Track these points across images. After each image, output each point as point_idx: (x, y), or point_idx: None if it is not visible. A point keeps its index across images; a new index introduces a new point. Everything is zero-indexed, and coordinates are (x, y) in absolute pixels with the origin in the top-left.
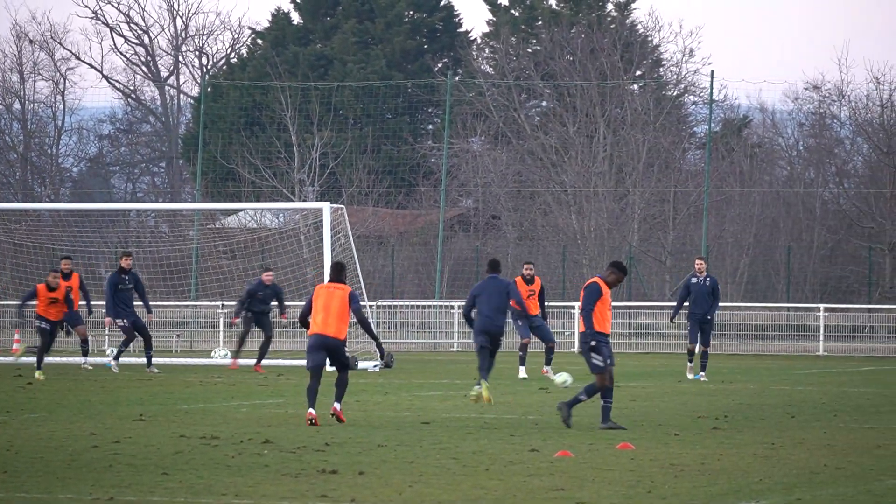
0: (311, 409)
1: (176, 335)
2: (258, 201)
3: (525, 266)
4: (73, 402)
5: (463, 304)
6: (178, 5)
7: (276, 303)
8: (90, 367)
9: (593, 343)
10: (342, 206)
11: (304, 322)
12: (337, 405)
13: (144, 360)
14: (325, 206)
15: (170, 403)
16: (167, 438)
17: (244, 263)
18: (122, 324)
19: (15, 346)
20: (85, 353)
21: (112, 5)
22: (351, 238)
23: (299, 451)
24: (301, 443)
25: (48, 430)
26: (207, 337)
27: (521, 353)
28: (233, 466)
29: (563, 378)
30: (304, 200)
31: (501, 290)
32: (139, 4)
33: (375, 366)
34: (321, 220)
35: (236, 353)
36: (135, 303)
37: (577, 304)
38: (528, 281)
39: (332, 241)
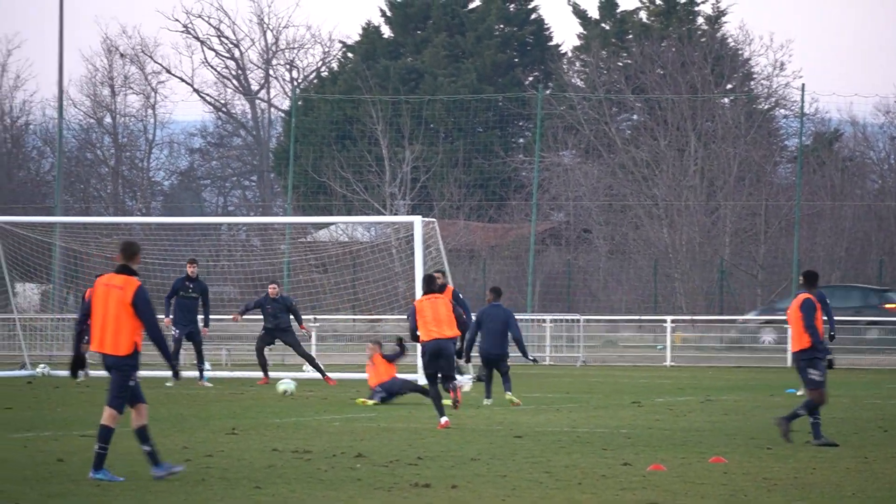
0: (442, 419)
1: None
2: (349, 215)
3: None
4: (166, 416)
5: (553, 317)
6: (269, 19)
7: (292, 316)
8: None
9: (817, 357)
10: (434, 219)
11: (415, 338)
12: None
13: (236, 374)
14: (417, 220)
15: (262, 417)
16: (260, 452)
17: (336, 277)
18: (174, 334)
19: None
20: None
21: (203, 19)
22: (443, 252)
23: (392, 464)
24: (394, 457)
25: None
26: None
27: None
28: (326, 480)
29: (285, 386)
30: (396, 214)
31: (502, 318)
32: (230, 18)
33: (469, 378)
34: (412, 234)
35: (322, 372)
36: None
37: (670, 319)
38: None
39: (424, 254)
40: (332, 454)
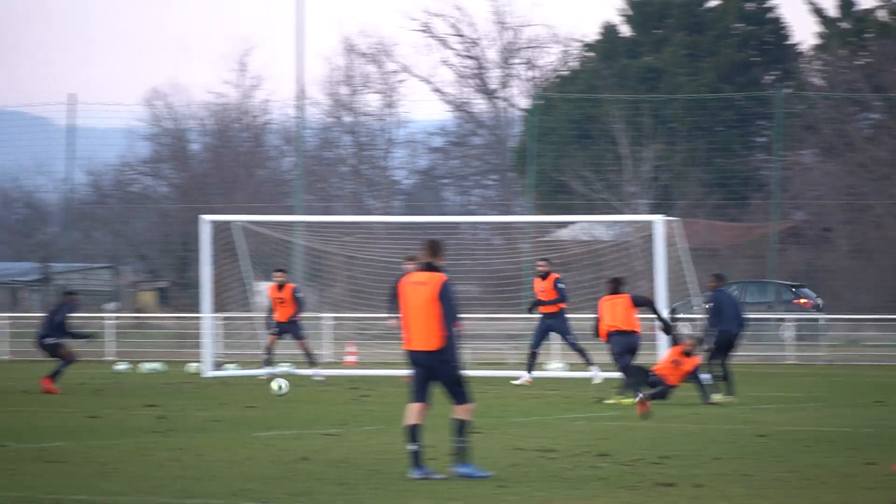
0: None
1: (510, 347)
2: (590, 213)
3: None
4: None
5: (794, 316)
6: (508, 18)
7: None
8: (322, 379)
9: None
10: (675, 218)
11: (598, 334)
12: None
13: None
14: (658, 219)
15: (506, 416)
16: (503, 451)
17: (577, 276)
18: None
19: (350, 357)
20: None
21: (441, 18)
22: (684, 250)
23: (635, 463)
24: (637, 455)
25: (384, 443)
26: (543, 349)
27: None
28: (569, 479)
29: (277, 385)
30: (636, 213)
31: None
32: (469, 17)
33: (709, 378)
34: (653, 233)
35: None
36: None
37: None
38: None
39: (665, 253)
40: (576, 453)
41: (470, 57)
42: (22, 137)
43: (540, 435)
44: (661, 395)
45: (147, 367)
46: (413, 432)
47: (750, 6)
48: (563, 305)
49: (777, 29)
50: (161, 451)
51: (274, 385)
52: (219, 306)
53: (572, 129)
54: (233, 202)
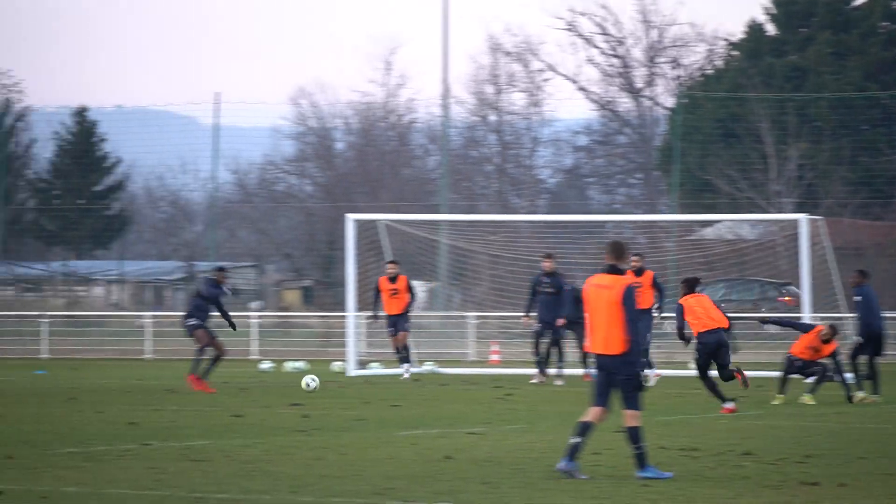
0: (728, 404)
1: (655, 346)
2: (735, 212)
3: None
4: (553, 414)
5: None
6: (653, 16)
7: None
8: (408, 376)
9: None
10: (819, 217)
11: (682, 335)
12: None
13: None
14: (803, 218)
15: (649, 415)
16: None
17: (722, 274)
18: (536, 328)
19: (494, 356)
20: (403, 361)
21: (587, 16)
22: (829, 249)
23: (779, 462)
24: (781, 454)
25: (528, 441)
26: (686, 348)
27: None
28: (713, 478)
29: (305, 383)
30: (781, 212)
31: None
32: (613, 15)
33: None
34: (798, 232)
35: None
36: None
37: None
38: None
39: (810, 252)
40: (719, 452)
41: (615, 55)
42: (168, 136)
43: (683, 434)
44: (823, 378)
45: (291, 365)
46: (582, 427)
47: None
48: (651, 303)
49: None
50: (305, 449)
51: (303, 383)
52: (363, 305)
53: (717, 128)
54: (377, 201)
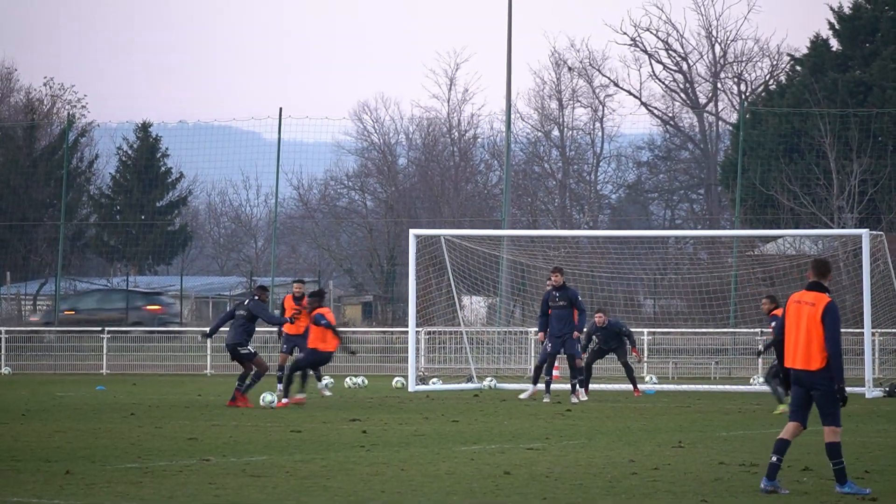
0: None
1: (715, 362)
2: (797, 228)
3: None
4: (612, 429)
5: None
6: (717, 32)
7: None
8: (329, 394)
9: None
10: (881, 233)
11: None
12: None
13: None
14: (865, 233)
15: (709, 430)
16: (706, 465)
17: (783, 290)
18: (547, 348)
19: (555, 372)
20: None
21: (651, 32)
22: (890, 265)
23: None
24: None
25: (587, 457)
26: (746, 364)
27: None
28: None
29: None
30: (843, 227)
31: None
32: (678, 31)
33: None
34: (860, 247)
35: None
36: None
37: None
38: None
39: (872, 267)
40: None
41: (678, 71)
42: (231, 152)
43: (743, 449)
44: None
45: (351, 381)
46: (780, 446)
47: None
48: None
49: None
50: (363, 465)
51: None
52: (424, 320)
53: (780, 144)
54: (439, 216)
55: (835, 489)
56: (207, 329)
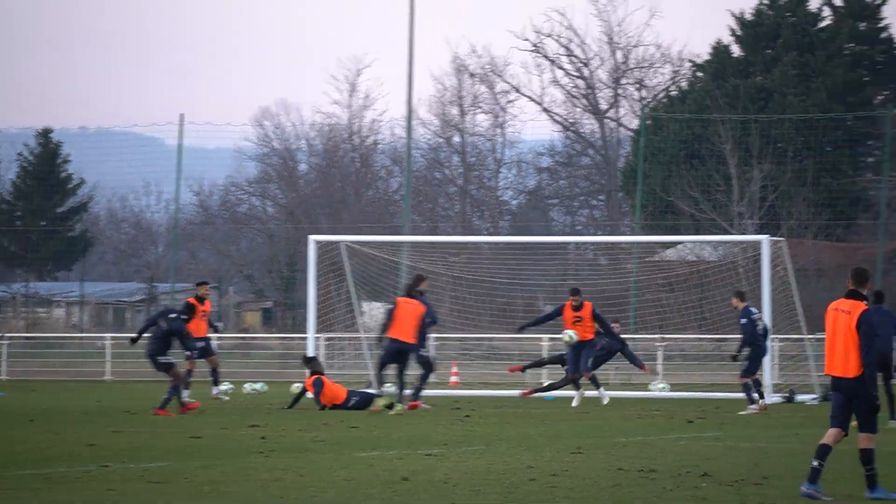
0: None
1: (614, 368)
2: (697, 234)
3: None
4: (512, 435)
5: None
6: (619, 38)
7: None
8: (225, 399)
9: None
10: (782, 238)
11: None
12: None
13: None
14: (765, 239)
15: (608, 436)
16: (605, 471)
17: (683, 296)
18: (424, 353)
19: (454, 378)
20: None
21: (552, 38)
22: (790, 271)
23: (737, 484)
24: (739, 476)
25: (486, 463)
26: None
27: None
28: (670, 500)
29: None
30: (743, 233)
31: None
32: (579, 37)
33: (814, 398)
34: (760, 253)
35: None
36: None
37: None
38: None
39: (771, 273)
40: (678, 473)
41: (580, 77)
42: (132, 158)
43: (642, 455)
44: None
45: (250, 387)
46: (821, 451)
47: (862, 26)
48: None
49: (889, 49)
50: (263, 471)
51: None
52: (324, 326)
53: (681, 150)
54: (340, 222)
55: (865, 495)
56: (131, 334)
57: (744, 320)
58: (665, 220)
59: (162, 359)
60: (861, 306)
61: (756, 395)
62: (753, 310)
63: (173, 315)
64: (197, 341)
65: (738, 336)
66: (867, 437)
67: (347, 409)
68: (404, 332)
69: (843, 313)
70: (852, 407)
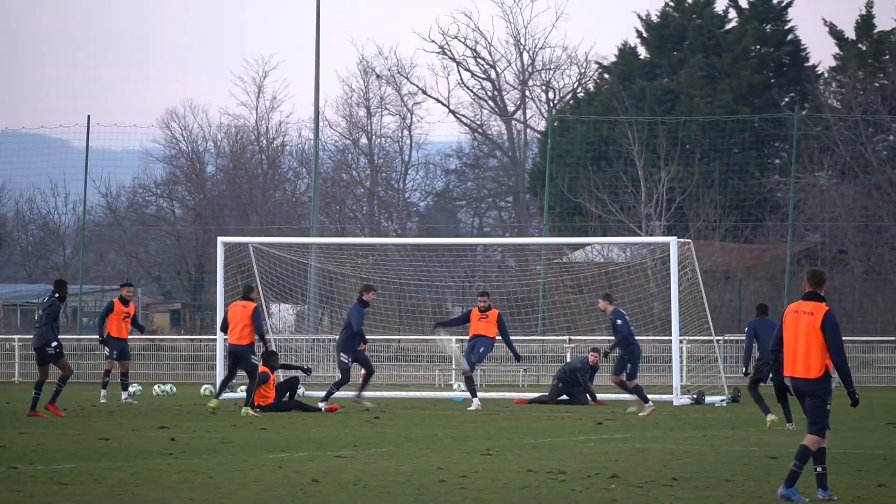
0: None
1: (523, 370)
2: (605, 235)
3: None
4: (421, 437)
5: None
6: (525, 40)
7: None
8: (134, 402)
9: None
10: (689, 240)
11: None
12: None
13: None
14: (673, 241)
15: (517, 438)
16: (514, 473)
17: (591, 298)
18: (344, 359)
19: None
20: (125, 387)
21: (459, 40)
22: (698, 272)
23: (647, 485)
24: (648, 477)
25: (395, 464)
26: (553, 371)
27: None
28: (580, 501)
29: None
30: (651, 235)
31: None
32: (486, 39)
33: (722, 400)
34: (668, 255)
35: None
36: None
37: None
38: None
39: (679, 275)
40: (587, 475)
41: (487, 79)
42: (39, 160)
43: (551, 457)
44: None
45: (159, 388)
46: (801, 453)
47: (768, 28)
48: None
49: (795, 51)
50: (172, 473)
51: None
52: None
53: (588, 151)
54: (248, 224)
55: (817, 495)
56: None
57: (619, 321)
58: (573, 222)
59: (50, 349)
60: (823, 308)
61: (643, 396)
62: (623, 311)
63: (46, 299)
64: (119, 342)
65: (613, 337)
66: (817, 439)
67: (277, 411)
68: (235, 333)
69: (805, 314)
70: (804, 406)
